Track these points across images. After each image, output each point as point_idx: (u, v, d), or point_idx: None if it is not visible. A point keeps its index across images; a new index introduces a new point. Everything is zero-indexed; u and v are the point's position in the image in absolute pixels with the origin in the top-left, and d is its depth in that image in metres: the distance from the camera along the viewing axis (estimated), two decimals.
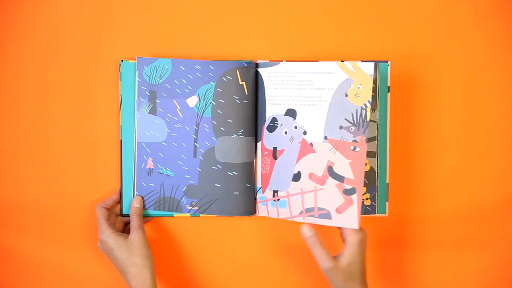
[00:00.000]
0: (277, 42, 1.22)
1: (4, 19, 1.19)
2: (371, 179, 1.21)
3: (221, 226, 1.23)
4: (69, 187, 1.22)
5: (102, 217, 1.16)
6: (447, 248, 1.25)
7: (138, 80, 1.18)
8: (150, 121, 1.19)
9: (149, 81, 1.18)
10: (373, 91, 1.19)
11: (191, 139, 1.19)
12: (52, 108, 1.21)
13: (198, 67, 1.19)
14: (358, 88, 1.10)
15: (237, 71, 1.18)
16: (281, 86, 1.16)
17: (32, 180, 1.21)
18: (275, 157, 1.18)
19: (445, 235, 1.25)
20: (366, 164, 1.20)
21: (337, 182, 1.12)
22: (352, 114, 1.10)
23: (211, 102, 1.19)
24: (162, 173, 1.20)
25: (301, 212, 1.15)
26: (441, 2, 1.22)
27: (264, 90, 1.18)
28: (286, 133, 1.16)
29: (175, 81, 1.19)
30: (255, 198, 1.21)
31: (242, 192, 1.20)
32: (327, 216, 1.13)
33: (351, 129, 1.11)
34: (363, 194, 1.21)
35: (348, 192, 1.11)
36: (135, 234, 1.15)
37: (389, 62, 1.21)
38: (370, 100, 1.10)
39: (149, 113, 1.19)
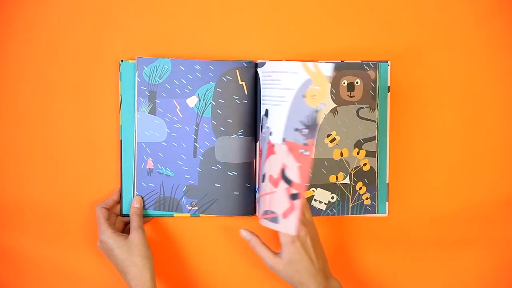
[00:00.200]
0: (277, 42, 1.22)
1: (4, 19, 1.19)
2: (371, 179, 1.21)
3: (221, 226, 1.23)
4: (69, 187, 1.22)
5: (102, 217, 1.16)
6: (447, 248, 1.25)
7: (138, 80, 1.18)
8: (150, 121, 1.19)
9: (149, 81, 1.18)
10: (372, 91, 1.20)
11: (191, 139, 1.19)
12: (52, 108, 1.21)
13: (198, 67, 1.19)
14: (316, 89, 1.05)
15: (237, 71, 1.18)
16: (264, 85, 1.16)
17: (32, 180, 1.21)
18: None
19: (445, 235, 1.25)
20: (366, 164, 1.21)
21: (286, 185, 1.08)
22: (307, 116, 1.06)
23: (211, 102, 1.19)
24: (162, 173, 1.20)
25: (262, 214, 1.13)
26: (441, 2, 1.22)
27: (260, 90, 1.18)
28: (264, 133, 1.16)
29: (175, 81, 1.19)
30: (255, 198, 1.21)
31: (242, 192, 1.20)
32: (275, 220, 1.09)
33: (304, 131, 1.06)
34: (363, 194, 1.21)
35: (293, 197, 1.06)
36: (135, 234, 1.15)
37: (389, 62, 1.22)
38: (325, 102, 1.08)
39: (149, 113, 1.19)
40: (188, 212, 1.20)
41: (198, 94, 1.19)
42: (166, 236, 1.23)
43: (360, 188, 1.21)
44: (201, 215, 1.21)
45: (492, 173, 1.24)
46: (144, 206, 1.20)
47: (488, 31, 1.23)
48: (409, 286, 1.26)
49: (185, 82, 1.19)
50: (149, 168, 1.20)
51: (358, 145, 1.20)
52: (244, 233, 1.15)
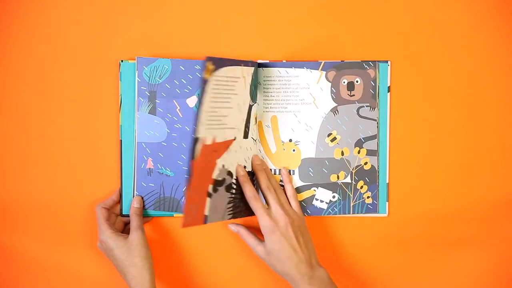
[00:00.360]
0: (277, 42, 1.22)
1: (4, 19, 1.19)
2: (372, 178, 1.21)
3: (221, 226, 1.23)
4: (69, 187, 1.21)
5: (102, 217, 1.16)
6: (447, 248, 1.25)
7: (138, 80, 1.18)
8: (150, 121, 1.19)
9: (149, 81, 1.18)
10: (372, 90, 1.20)
11: (191, 139, 1.19)
12: (52, 108, 1.21)
13: (198, 67, 1.19)
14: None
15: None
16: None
17: (32, 180, 1.21)
18: None
19: (445, 235, 1.25)
20: (367, 162, 1.21)
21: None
22: None
23: None
24: (162, 173, 1.20)
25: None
26: (441, 2, 1.22)
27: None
28: None
29: (175, 81, 1.19)
30: None
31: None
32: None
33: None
34: (365, 193, 1.21)
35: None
36: (134, 234, 1.15)
37: (389, 62, 1.22)
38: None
39: (149, 113, 1.19)
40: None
41: (198, 94, 1.19)
42: (166, 236, 1.23)
43: (362, 187, 1.21)
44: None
45: (492, 173, 1.24)
46: (144, 206, 1.20)
47: (488, 31, 1.23)
48: (409, 286, 1.26)
49: (185, 82, 1.19)
50: (149, 168, 1.20)
51: (359, 144, 1.20)
52: (232, 227, 1.20)
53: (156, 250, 1.21)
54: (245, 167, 1.18)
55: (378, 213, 1.22)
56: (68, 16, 1.20)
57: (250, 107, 1.18)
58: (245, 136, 1.18)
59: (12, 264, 1.22)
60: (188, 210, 1.05)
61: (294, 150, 1.20)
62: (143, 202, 1.20)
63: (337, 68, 1.19)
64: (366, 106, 1.20)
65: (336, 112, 1.20)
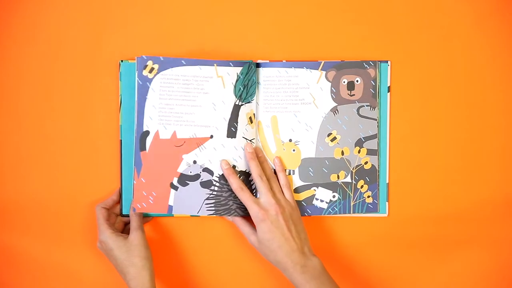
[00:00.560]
0: (277, 42, 1.22)
1: (4, 19, 1.19)
2: (372, 177, 1.21)
3: (221, 226, 1.23)
4: (69, 187, 1.21)
5: (102, 217, 1.16)
6: (447, 248, 1.25)
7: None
8: None
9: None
10: (372, 89, 1.20)
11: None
12: (52, 108, 1.20)
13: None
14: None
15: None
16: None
17: (32, 180, 1.21)
18: None
19: (445, 235, 1.25)
20: (367, 162, 1.21)
21: None
22: None
23: None
24: None
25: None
26: (441, 2, 1.22)
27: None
28: None
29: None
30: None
31: None
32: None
33: None
34: (365, 192, 1.21)
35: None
36: (134, 234, 1.15)
37: (389, 62, 1.22)
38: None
39: None
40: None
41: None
42: (166, 236, 1.23)
43: (362, 187, 1.21)
44: (201, 215, 1.21)
45: (492, 173, 1.24)
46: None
47: (488, 31, 1.23)
48: (409, 286, 1.25)
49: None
50: None
51: (359, 143, 1.20)
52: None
53: (156, 250, 1.21)
54: (234, 166, 1.18)
55: (379, 212, 1.22)
56: (68, 16, 1.20)
57: (238, 106, 1.18)
58: (231, 135, 1.18)
59: (12, 264, 1.22)
60: (137, 196, 1.17)
61: (294, 150, 1.20)
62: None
63: (337, 68, 1.19)
64: (366, 105, 1.20)
65: (336, 112, 1.20)
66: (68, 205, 1.22)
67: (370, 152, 1.21)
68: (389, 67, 1.22)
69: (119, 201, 1.20)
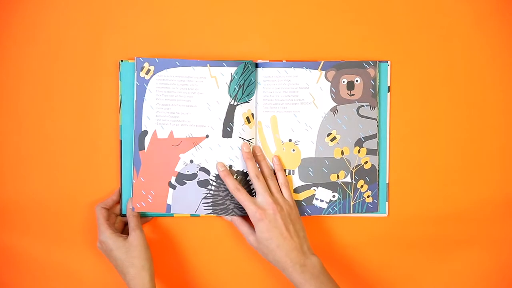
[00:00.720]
0: (277, 42, 1.22)
1: (4, 19, 1.19)
2: (372, 177, 1.21)
3: (220, 226, 1.23)
4: (69, 187, 1.21)
5: (102, 217, 1.16)
6: (447, 248, 1.25)
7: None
8: None
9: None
10: (372, 89, 1.20)
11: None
12: (52, 108, 1.21)
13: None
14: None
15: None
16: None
17: (32, 180, 1.21)
18: None
19: (445, 235, 1.25)
20: (367, 162, 1.21)
21: None
22: None
23: None
24: None
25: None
26: (441, 2, 1.22)
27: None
28: None
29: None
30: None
31: None
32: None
33: None
34: (365, 192, 1.21)
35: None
36: (133, 235, 1.14)
37: (389, 62, 1.22)
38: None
39: None
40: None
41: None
42: (166, 236, 1.23)
43: (362, 186, 1.21)
44: (201, 215, 1.21)
45: (492, 173, 1.24)
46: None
47: (488, 31, 1.23)
48: (408, 286, 1.25)
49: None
50: None
51: (359, 143, 1.20)
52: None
53: (156, 250, 1.21)
54: (231, 166, 1.18)
55: (378, 212, 1.22)
56: (68, 16, 1.20)
57: (233, 106, 1.18)
58: (226, 135, 1.18)
59: (12, 264, 1.22)
60: (136, 195, 1.19)
61: (293, 150, 1.20)
62: None
63: (337, 68, 1.19)
64: (366, 105, 1.20)
65: (336, 111, 1.20)
66: (68, 205, 1.22)
67: (370, 152, 1.21)
68: (389, 67, 1.21)
69: (119, 201, 1.21)
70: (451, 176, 1.24)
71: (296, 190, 1.20)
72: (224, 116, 1.18)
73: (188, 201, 1.19)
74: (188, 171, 1.19)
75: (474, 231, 1.25)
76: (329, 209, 1.21)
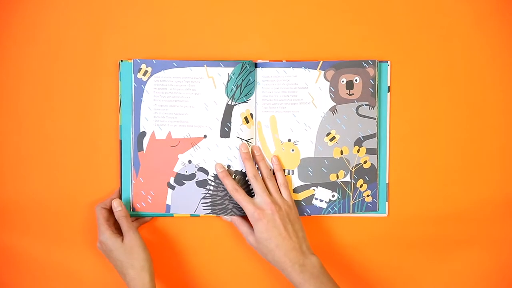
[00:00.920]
0: (277, 42, 1.22)
1: (4, 19, 1.19)
2: (371, 176, 1.21)
3: (220, 226, 1.23)
4: (69, 187, 1.22)
5: (102, 217, 1.16)
6: (447, 248, 1.25)
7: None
8: None
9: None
10: (372, 88, 1.20)
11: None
12: (52, 108, 1.21)
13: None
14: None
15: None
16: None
17: (32, 180, 1.21)
18: None
19: (445, 235, 1.25)
20: (366, 161, 1.21)
21: None
22: None
23: None
24: None
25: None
26: (441, 2, 1.22)
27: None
28: None
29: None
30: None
31: None
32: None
33: None
34: (365, 191, 1.21)
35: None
36: (127, 237, 1.14)
37: (389, 62, 1.22)
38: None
39: None
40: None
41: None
42: (165, 237, 1.23)
43: (361, 186, 1.21)
44: (201, 215, 1.21)
45: (492, 173, 1.24)
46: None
47: (488, 31, 1.23)
48: (408, 286, 1.25)
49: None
50: None
51: (358, 142, 1.20)
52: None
53: (156, 251, 1.21)
54: (229, 166, 1.18)
55: (378, 211, 1.22)
56: (68, 16, 1.20)
57: (231, 106, 1.18)
58: (224, 135, 1.18)
59: (12, 264, 1.22)
60: (136, 195, 1.19)
61: (293, 150, 1.20)
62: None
63: (336, 67, 1.19)
64: (366, 104, 1.20)
65: (335, 111, 1.20)
66: (68, 205, 1.22)
67: (370, 151, 1.21)
68: (389, 67, 1.21)
69: None
70: (451, 176, 1.24)
71: (295, 190, 1.21)
72: (221, 116, 1.18)
73: (187, 201, 1.19)
74: (186, 172, 1.19)
75: (474, 231, 1.25)
76: (329, 208, 1.21)
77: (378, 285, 1.25)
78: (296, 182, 1.20)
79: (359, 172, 1.21)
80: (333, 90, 1.19)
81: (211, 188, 1.18)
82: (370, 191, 1.21)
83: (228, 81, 1.18)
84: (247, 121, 1.19)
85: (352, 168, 1.21)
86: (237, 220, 1.18)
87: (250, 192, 1.18)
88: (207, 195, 1.19)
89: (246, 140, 1.19)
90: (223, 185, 1.18)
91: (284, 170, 1.20)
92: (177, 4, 1.20)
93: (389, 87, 1.22)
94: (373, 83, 1.20)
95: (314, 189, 1.21)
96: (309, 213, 1.21)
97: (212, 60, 1.18)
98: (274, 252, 1.11)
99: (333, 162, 1.20)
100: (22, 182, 1.21)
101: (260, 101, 1.19)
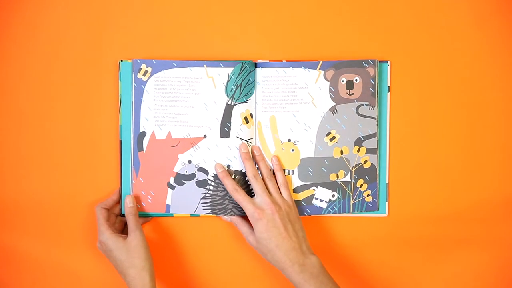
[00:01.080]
0: (277, 42, 1.22)
1: (4, 19, 1.19)
2: (371, 176, 1.21)
3: (220, 226, 1.23)
4: (69, 187, 1.22)
5: (102, 217, 1.16)
6: (447, 248, 1.25)
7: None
8: None
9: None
10: (372, 88, 1.20)
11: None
12: (52, 108, 1.21)
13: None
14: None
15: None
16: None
17: (32, 180, 1.21)
18: None
19: (445, 235, 1.25)
20: (366, 161, 1.21)
21: None
22: None
23: None
24: None
25: None
26: (441, 2, 1.22)
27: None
28: None
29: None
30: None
31: None
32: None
33: None
34: (365, 191, 1.21)
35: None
36: (132, 236, 1.14)
37: (389, 62, 1.22)
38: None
39: None
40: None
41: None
42: (166, 236, 1.23)
43: (361, 185, 1.21)
44: (201, 215, 1.21)
45: (492, 173, 1.24)
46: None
47: (488, 31, 1.23)
48: (408, 286, 1.25)
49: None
50: None
51: (358, 142, 1.20)
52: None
53: (156, 251, 1.21)
54: (229, 166, 1.18)
55: (378, 211, 1.22)
56: (68, 17, 1.20)
57: (230, 106, 1.18)
58: (224, 135, 1.18)
59: (12, 264, 1.22)
60: (136, 195, 1.19)
61: (293, 150, 1.20)
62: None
63: (336, 67, 1.19)
64: (366, 104, 1.20)
65: (335, 111, 1.20)
66: (68, 205, 1.22)
67: (370, 151, 1.21)
68: (389, 67, 1.21)
69: (119, 201, 1.21)
70: (451, 176, 1.24)
71: (295, 190, 1.21)
72: (221, 116, 1.18)
73: (187, 201, 1.19)
74: (186, 172, 1.19)
75: (474, 231, 1.25)
76: (329, 208, 1.21)
77: (378, 285, 1.25)
78: (296, 182, 1.20)
79: (359, 172, 1.21)
80: (333, 90, 1.19)
81: (211, 188, 1.19)
82: (370, 191, 1.21)
83: (228, 81, 1.18)
84: (247, 121, 1.19)
85: (352, 168, 1.21)
86: (237, 220, 1.19)
87: (250, 192, 1.18)
88: (207, 195, 1.19)
89: (246, 140, 1.19)
90: (223, 185, 1.18)
91: (284, 170, 1.20)
92: (177, 4, 1.21)
93: (389, 87, 1.22)
94: (373, 83, 1.20)
95: (314, 189, 1.21)
96: (309, 213, 1.21)
97: (212, 60, 1.19)
98: (274, 252, 1.12)
99: (333, 162, 1.20)
100: (22, 182, 1.21)
101: (260, 101, 1.19)
